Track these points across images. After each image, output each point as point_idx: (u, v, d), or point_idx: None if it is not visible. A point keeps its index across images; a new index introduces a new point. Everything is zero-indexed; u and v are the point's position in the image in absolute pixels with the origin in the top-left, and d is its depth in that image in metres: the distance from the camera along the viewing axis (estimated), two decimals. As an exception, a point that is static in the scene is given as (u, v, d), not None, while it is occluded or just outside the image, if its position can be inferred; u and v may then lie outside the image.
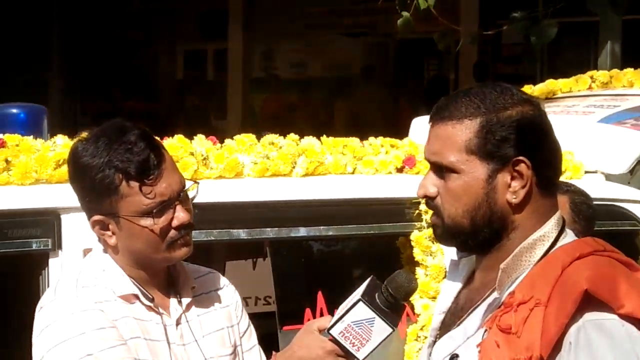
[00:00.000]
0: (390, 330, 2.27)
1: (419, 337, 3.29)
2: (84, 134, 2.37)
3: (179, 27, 13.06)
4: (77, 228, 2.82)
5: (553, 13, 5.55)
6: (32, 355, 2.31)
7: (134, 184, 2.28)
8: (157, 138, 2.45)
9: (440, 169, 1.97)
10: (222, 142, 3.32)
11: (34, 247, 2.89)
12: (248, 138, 3.33)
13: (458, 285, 2.09)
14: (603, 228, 3.31)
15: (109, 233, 2.34)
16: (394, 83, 12.01)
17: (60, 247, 2.91)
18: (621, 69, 4.99)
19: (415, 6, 5.34)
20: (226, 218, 3.14)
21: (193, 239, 2.41)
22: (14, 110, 3.34)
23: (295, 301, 3.40)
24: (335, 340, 2.29)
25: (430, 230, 3.29)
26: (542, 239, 1.94)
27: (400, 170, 3.46)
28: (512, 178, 1.92)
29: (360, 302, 2.25)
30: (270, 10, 12.31)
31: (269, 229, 3.20)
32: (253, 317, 2.64)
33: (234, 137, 3.34)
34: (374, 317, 2.25)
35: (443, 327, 2.06)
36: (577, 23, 9.16)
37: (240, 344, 2.52)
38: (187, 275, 2.47)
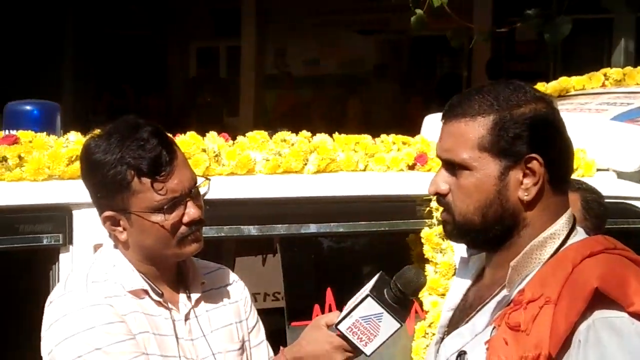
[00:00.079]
0: (398, 325, 2.27)
1: (427, 333, 3.29)
2: (97, 131, 2.38)
3: (192, 24, 13.08)
4: (89, 224, 2.84)
5: (567, 10, 5.53)
6: (41, 349, 2.32)
7: (146, 181, 2.28)
8: (170, 135, 2.46)
9: (453, 166, 1.97)
10: (234, 139, 3.32)
11: (45, 242, 2.91)
12: (260, 135, 3.34)
13: (467, 283, 2.09)
14: (614, 226, 3.30)
15: (120, 229, 2.35)
16: (406, 80, 11.99)
17: (71, 242, 2.92)
18: (635, 66, 4.97)
19: (428, 3, 5.33)
20: (237, 214, 3.15)
21: (204, 235, 2.42)
22: (28, 107, 3.36)
23: (304, 297, 3.40)
24: (343, 336, 2.30)
25: (441, 227, 3.28)
26: (553, 236, 1.94)
27: (411, 167, 3.46)
28: (524, 175, 1.92)
29: (369, 298, 2.26)
30: (283, 8, 12.31)
31: (279, 226, 3.20)
32: (262, 313, 2.65)
33: (246, 134, 3.34)
34: (382, 313, 2.25)
35: (451, 324, 2.07)
36: (591, 20, 9.13)
37: (248, 339, 2.53)
38: (196, 271, 2.48)
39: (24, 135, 3.06)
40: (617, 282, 1.84)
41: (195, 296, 2.43)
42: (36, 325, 2.36)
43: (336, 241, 3.69)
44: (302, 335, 2.42)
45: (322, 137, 3.42)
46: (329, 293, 3.34)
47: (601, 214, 3.15)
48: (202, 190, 2.41)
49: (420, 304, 3.32)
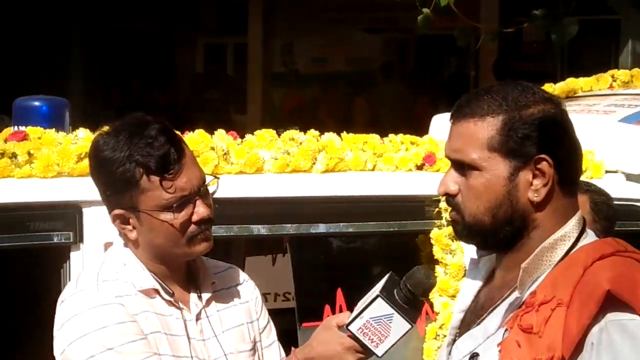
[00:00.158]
0: (409, 326, 2.27)
1: (438, 335, 3.29)
2: (105, 128, 2.38)
3: (200, 21, 13.07)
4: (99, 221, 2.83)
5: (574, 11, 5.53)
6: (53, 348, 2.32)
7: (155, 179, 2.28)
8: (178, 132, 2.46)
9: (462, 167, 1.97)
10: (242, 136, 3.32)
11: (56, 240, 2.91)
12: (268, 133, 3.33)
13: (478, 284, 2.09)
14: (623, 228, 3.30)
15: (130, 227, 2.35)
16: (413, 79, 11.98)
17: (81, 240, 2.92)
18: (642, 68, 4.95)
19: (435, 2, 5.33)
20: (246, 213, 3.14)
21: (213, 234, 2.41)
22: (37, 103, 3.35)
23: (314, 298, 3.40)
24: (353, 336, 2.29)
25: (450, 228, 3.28)
26: (563, 238, 1.94)
27: (420, 167, 3.46)
28: (534, 176, 1.92)
29: (379, 298, 2.25)
30: (291, 5, 12.31)
31: (289, 225, 3.20)
32: (272, 313, 2.65)
33: (255, 133, 3.34)
34: (393, 313, 2.25)
35: (463, 325, 2.06)
36: (598, 21, 9.11)
37: (259, 339, 2.53)
38: (207, 271, 2.47)
39: (33, 131, 3.05)
40: (629, 284, 1.84)
41: (206, 296, 2.43)
42: (48, 323, 2.37)
43: (346, 241, 3.69)
44: (313, 336, 2.42)
45: (330, 136, 3.41)
46: (339, 293, 3.34)
47: (610, 216, 3.15)
48: (210, 189, 2.41)
49: (431, 305, 3.31)
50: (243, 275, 2.59)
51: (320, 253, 3.62)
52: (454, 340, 2.06)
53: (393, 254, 3.59)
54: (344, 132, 3.48)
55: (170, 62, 13.39)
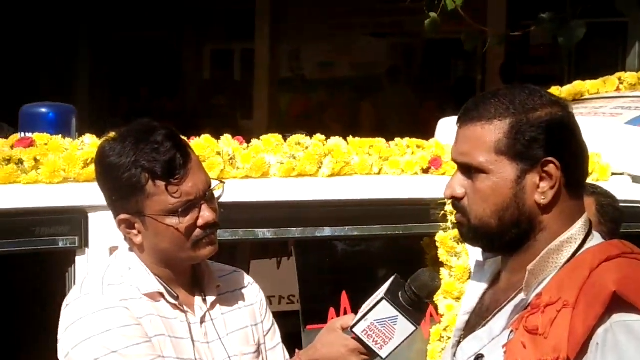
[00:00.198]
0: (414, 328, 2.27)
1: (442, 337, 3.29)
2: (112, 134, 2.39)
3: (206, 26, 13.10)
4: (104, 226, 2.84)
5: (581, 14, 5.53)
6: (58, 351, 2.33)
7: (160, 184, 2.29)
8: (184, 138, 2.47)
9: (468, 170, 1.97)
10: (248, 142, 3.33)
11: (61, 244, 2.92)
12: (274, 138, 3.34)
13: (483, 286, 2.10)
14: (629, 230, 3.30)
15: (135, 232, 2.36)
16: (420, 83, 11.98)
17: (87, 245, 2.93)
18: (649, 70, 4.95)
19: (442, 7, 5.34)
20: (252, 218, 3.15)
21: (219, 238, 2.42)
22: (43, 110, 3.36)
23: (319, 301, 3.40)
24: (358, 339, 2.30)
25: (455, 231, 3.28)
26: (570, 241, 1.94)
27: (426, 171, 3.46)
28: (541, 179, 1.93)
29: (384, 301, 2.26)
30: (297, 11, 12.32)
31: (294, 229, 3.21)
32: (277, 316, 2.65)
33: (261, 137, 3.34)
34: (397, 316, 2.26)
35: (467, 327, 2.07)
36: (606, 24, 9.10)
37: (264, 342, 2.54)
38: (211, 274, 2.48)
39: (39, 137, 3.06)
40: (635, 286, 1.84)
41: (210, 299, 2.44)
42: (53, 327, 2.37)
43: (351, 244, 3.69)
44: (318, 338, 2.42)
45: (336, 141, 3.42)
46: (344, 296, 3.34)
47: (616, 218, 3.15)
48: (216, 194, 2.42)
49: (436, 308, 3.32)
50: (248, 279, 2.60)
51: (325, 256, 3.62)
52: (459, 342, 2.07)
53: (398, 257, 3.59)
54: (350, 136, 3.49)
55: (177, 68, 13.42)
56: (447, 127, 3.92)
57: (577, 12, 5.55)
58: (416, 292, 2.27)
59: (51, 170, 2.96)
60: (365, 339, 2.28)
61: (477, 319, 2.04)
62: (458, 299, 3.27)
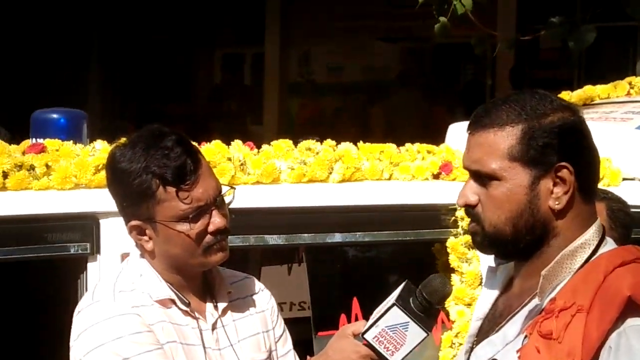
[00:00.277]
0: (425, 334, 2.27)
1: (454, 344, 3.28)
2: (123, 139, 2.39)
3: (217, 31, 13.11)
4: (116, 233, 2.84)
5: (591, 18, 5.51)
6: (70, 358, 2.34)
7: (171, 189, 2.30)
8: (195, 143, 2.47)
9: (481, 177, 1.97)
10: (258, 147, 3.33)
11: (73, 251, 2.92)
12: (285, 144, 3.34)
13: (496, 292, 2.09)
14: (640, 235, 3.29)
15: (146, 238, 2.36)
16: (430, 88, 11.97)
17: (98, 251, 2.93)
18: (660, 75, 4.94)
19: (452, 11, 5.33)
20: (263, 223, 3.15)
21: (229, 244, 2.42)
22: (55, 116, 3.37)
23: (330, 307, 3.40)
24: (369, 345, 2.30)
25: (467, 237, 3.28)
26: (583, 246, 1.94)
27: (436, 176, 3.45)
28: (555, 184, 1.93)
29: (395, 307, 2.25)
30: (307, 15, 12.33)
31: (305, 235, 3.21)
32: (288, 322, 2.65)
33: (271, 143, 3.34)
34: (409, 322, 2.25)
35: (480, 333, 2.07)
36: (616, 28, 9.08)
37: (275, 348, 2.54)
38: (223, 280, 2.48)
39: (51, 143, 3.07)
40: None
41: (222, 305, 2.44)
42: (64, 334, 2.38)
43: (362, 250, 3.69)
44: (329, 345, 2.42)
45: (346, 146, 3.42)
46: (355, 302, 3.34)
47: (627, 224, 3.14)
48: (227, 199, 2.42)
49: (447, 314, 3.31)
50: (259, 285, 2.60)
51: (336, 262, 3.62)
52: (472, 348, 2.06)
53: (409, 263, 3.59)
54: (360, 142, 3.48)
55: (188, 73, 13.44)
56: (458, 132, 3.91)
57: (587, 16, 5.54)
58: (427, 298, 2.26)
59: (62, 176, 2.97)
60: (376, 345, 2.27)
61: (490, 324, 2.04)
62: (469, 305, 3.26)
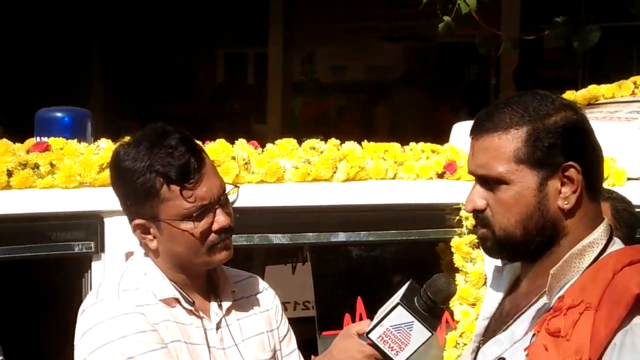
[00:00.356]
0: (429, 334, 2.27)
1: (458, 343, 3.28)
2: (127, 138, 2.39)
3: (220, 31, 13.12)
4: (120, 231, 2.85)
5: (596, 18, 5.50)
6: (74, 357, 2.33)
7: (175, 188, 2.29)
8: (199, 142, 2.47)
9: (488, 182, 1.97)
10: (262, 146, 3.33)
11: (77, 250, 2.92)
12: (289, 143, 3.34)
13: (502, 292, 2.09)
14: (646, 235, 3.28)
15: (150, 237, 2.36)
16: (434, 88, 11.97)
17: (103, 250, 2.93)
18: (664, 74, 4.93)
19: (456, 10, 5.32)
20: (267, 222, 3.15)
21: (234, 244, 2.42)
22: (59, 114, 3.38)
23: (334, 306, 3.40)
24: (374, 344, 2.29)
25: (471, 236, 3.28)
26: (592, 245, 1.95)
27: (441, 175, 3.45)
28: (562, 184, 1.93)
29: (399, 306, 2.25)
30: (311, 15, 12.33)
31: (309, 234, 3.20)
32: (292, 322, 2.65)
33: (276, 142, 3.34)
34: (413, 321, 2.25)
35: (487, 332, 2.07)
36: (620, 28, 9.07)
37: (279, 348, 2.53)
38: (227, 280, 2.48)
39: (55, 142, 3.07)
40: None
41: (226, 305, 2.44)
42: (69, 333, 2.38)
43: (366, 250, 3.68)
44: (333, 344, 2.42)
45: (351, 145, 3.42)
46: (359, 302, 3.34)
47: (632, 224, 3.13)
48: (231, 198, 2.41)
49: (451, 314, 3.31)
50: (263, 284, 2.60)
51: (340, 262, 3.62)
52: (478, 348, 2.06)
53: (413, 262, 3.58)
54: (365, 141, 3.48)
55: (189, 73, 13.45)
56: (462, 131, 3.91)
57: (591, 16, 5.52)
58: (432, 297, 2.26)
59: (67, 175, 2.97)
60: (381, 345, 2.27)
61: (498, 323, 2.04)
62: (474, 304, 3.26)
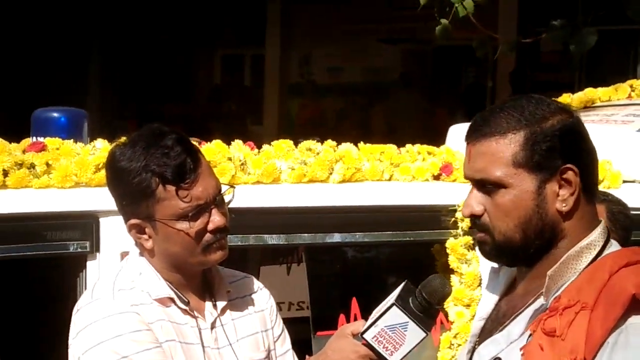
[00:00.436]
0: (424, 334, 2.27)
1: (452, 344, 3.28)
2: (123, 139, 2.39)
3: (217, 32, 13.12)
4: (116, 231, 2.85)
5: (592, 21, 5.51)
6: (69, 356, 2.33)
7: (170, 188, 2.30)
8: (195, 142, 2.47)
9: (486, 186, 1.98)
10: (259, 147, 3.33)
11: (72, 249, 2.93)
12: (286, 144, 3.35)
13: (499, 293, 2.10)
14: (640, 238, 3.29)
15: (146, 237, 2.36)
16: (431, 90, 11.99)
17: (98, 249, 2.94)
18: (661, 78, 4.94)
19: (453, 13, 5.33)
20: (263, 223, 3.15)
21: (229, 244, 2.42)
22: (55, 114, 3.38)
23: (329, 307, 3.41)
24: (368, 345, 2.29)
25: (466, 238, 3.29)
26: (589, 247, 1.95)
27: (437, 177, 3.46)
28: (560, 186, 1.94)
29: (394, 307, 2.25)
30: (308, 16, 12.34)
31: (304, 235, 3.21)
32: (286, 322, 2.65)
33: (272, 143, 3.35)
34: (408, 322, 2.25)
35: (483, 333, 2.07)
36: (617, 31, 9.09)
37: (274, 348, 2.54)
38: (222, 280, 2.48)
39: (51, 142, 3.08)
40: None
41: (221, 304, 2.44)
42: (64, 332, 2.38)
43: (361, 251, 3.69)
44: (328, 344, 2.42)
45: (347, 147, 3.42)
46: (354, 302, 3.34)
47: (627, 226, 3.14)
48: (226, 198, 2.42)
49: (446, 315, 3.31)
50: (258, 284, 2.60)
51: (335, 262, 3.62)
52: (474, 348, 2.06)
53: (408, 263, 3.59)
54: (361, 143, 3.49)
55: (187, 73, 13.45)
56: (458, 133, 3.91)
57: (588, 19, 5.54)
58: (427, 298, 2.26)
59: (63, 175, 2.97)
60: (375, 345, 2.27)
61: (494, 324, 2.05)
62: (468, 306, 3.26)
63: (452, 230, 3.34)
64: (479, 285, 3.28)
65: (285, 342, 2.59)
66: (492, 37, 6.10)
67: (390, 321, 2.26)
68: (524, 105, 1.97)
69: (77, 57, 12.24)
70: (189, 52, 13.35)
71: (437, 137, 4.38)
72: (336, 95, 12.60)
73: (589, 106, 4.75)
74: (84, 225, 2.93)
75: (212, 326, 2.41)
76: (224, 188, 2.41)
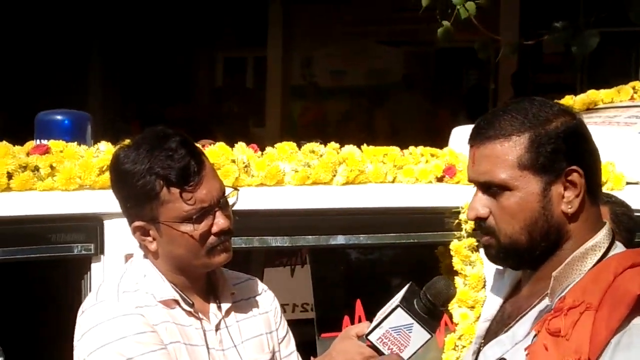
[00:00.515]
0: (429, 336, 2.27)
1: (457, 346, 3.28)
2: (127, 141, 2.40)
3: (219, 34, 13.12)
4: (120, 233, 2.85)
5: (595, 23, 5.51)
6: (73, 358, 2.34)
7: (175, 190, 2.30)
8: (199, 145, 2.48)
9: (491, 189, 1.98)
10: (261, 149, 3.34)
11: (77, 251, 2.93)
12: (289, 146, 3.35)
13: (504, 294, 2.10)
14: (644, 240, 3.28)
15: (150, 239, 2.37)
16: (433, 92, 11.98)
17: (102, 252, 2.94)
18: (663, 79, 4.93)
19: (455, 15, 5.33)
20: (266, 225, 3.16)
21: (233, 246, 2.42)
22: (59, 117, 3.38)
23: (333, 308, 3.41)
24: (373, 346, 2.30)
25: (470, 239, 3.29)
26: (594, 248, 1.96)
27: (440, 179, 3.46)
28: (565, 188, 1.94)
29: (399, 308, 2.26)
30: (310, 18, 12.34)
31: (308, 237, 3.21)
32: (291, 324, 2.66)
33: (275, 145, 3.35)
34: (413, 323, 2.25)
35: (488, 334, 2.07)
36: (619, 33, 9.08)
37: (278, 350, 2.54)
38: (226, 282, 2.49)
39: (55, 145, 3.08)
40: None
41: (225, 306, 2.44)
42: (68, 334, 2.38)
43: (365, 253, 3.69)
44: (333, 346, 2.42)
45: (350, 149, 3.42)
46: (358, 304, 3.35)
47: (631, 228, 3.14)
48: (230, 201, 2.42)
49: (450, 317, 3.31)
50: (262, 286, 2.61)
51: (339, 264, 3.63)
52: (479, 349, 2.07)
53: (412, 265, 3.59)
54: (364, 145, 3.49)
55: (189, 75, 13.45)
56: (461, 135, 3.91)
57: (590, 21, 5.54)
58: (431, 299, 2.26)
59: (67, 178, 2.98)
60: (380, 347, 2.27)
61: (499, 325, 2.05)
62: (472, 307, 3.26)
63: (455, 232, 3.34)
64: (483, 286, 3.28)
65: (290, 344, 2.59)
66: (494, 39, 6.11)
67: (395, 323, 2.26)
68: (527, 108, 1.97)
69: (77, 57, 12.24)
70: (189, 53, 13.35)
71: (439, 139, 4.38)
72: (338, 97, 12.59)
73: (591, 108, 4.74)
74: (88, 228, 2.94)
75: (217, 328, 2.41)
76: (227, 190, 2.41)
